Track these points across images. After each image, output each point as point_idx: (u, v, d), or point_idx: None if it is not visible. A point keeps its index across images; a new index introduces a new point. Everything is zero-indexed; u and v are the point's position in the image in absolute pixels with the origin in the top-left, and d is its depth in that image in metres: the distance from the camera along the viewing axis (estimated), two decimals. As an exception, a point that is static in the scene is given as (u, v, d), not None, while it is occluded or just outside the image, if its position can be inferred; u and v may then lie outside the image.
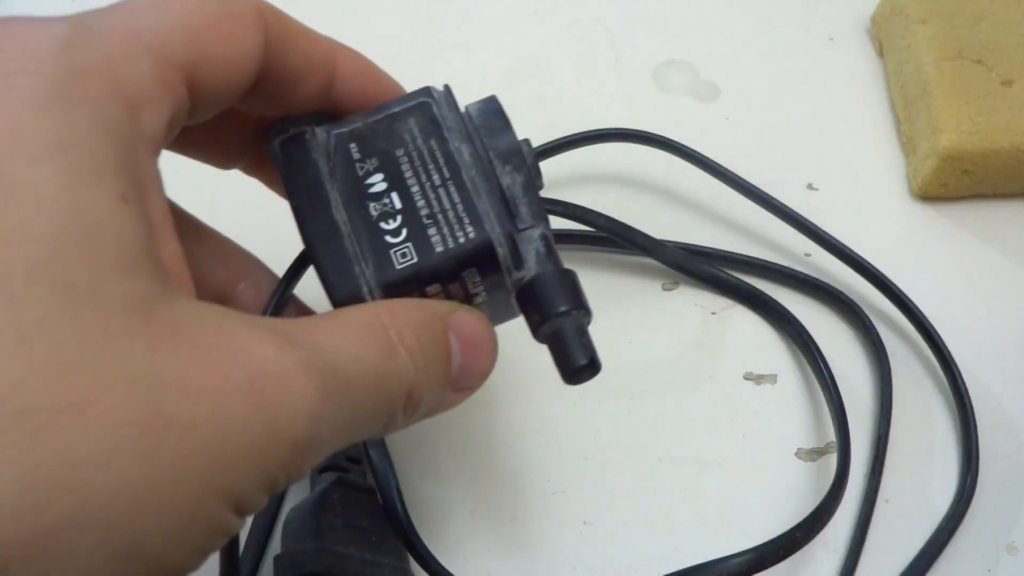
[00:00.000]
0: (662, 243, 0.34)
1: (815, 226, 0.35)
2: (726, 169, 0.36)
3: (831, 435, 0.32)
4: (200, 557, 0.16)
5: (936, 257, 0.37)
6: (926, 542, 0.30)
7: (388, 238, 0.21)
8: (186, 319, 0.16)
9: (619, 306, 0.35)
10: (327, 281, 0.21)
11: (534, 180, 0.22)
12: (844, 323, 0.35)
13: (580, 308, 0.22)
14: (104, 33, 0.17)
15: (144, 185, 0.17)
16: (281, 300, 0.23)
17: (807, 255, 0.37)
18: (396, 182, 0.22)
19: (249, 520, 0.29)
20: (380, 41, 0.24)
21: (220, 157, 0.25)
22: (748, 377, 0.34)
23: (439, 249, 0.21)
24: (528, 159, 0.22)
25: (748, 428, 0.33)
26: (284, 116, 0.23)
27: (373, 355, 0.19)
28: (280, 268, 0.24)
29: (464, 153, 0.22)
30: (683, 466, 0.32)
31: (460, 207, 0.21)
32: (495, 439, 0.32)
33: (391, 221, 0.21)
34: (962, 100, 0.37)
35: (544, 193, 0.35)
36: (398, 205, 0.21)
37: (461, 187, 0.22)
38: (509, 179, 0.22)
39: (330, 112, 0.23)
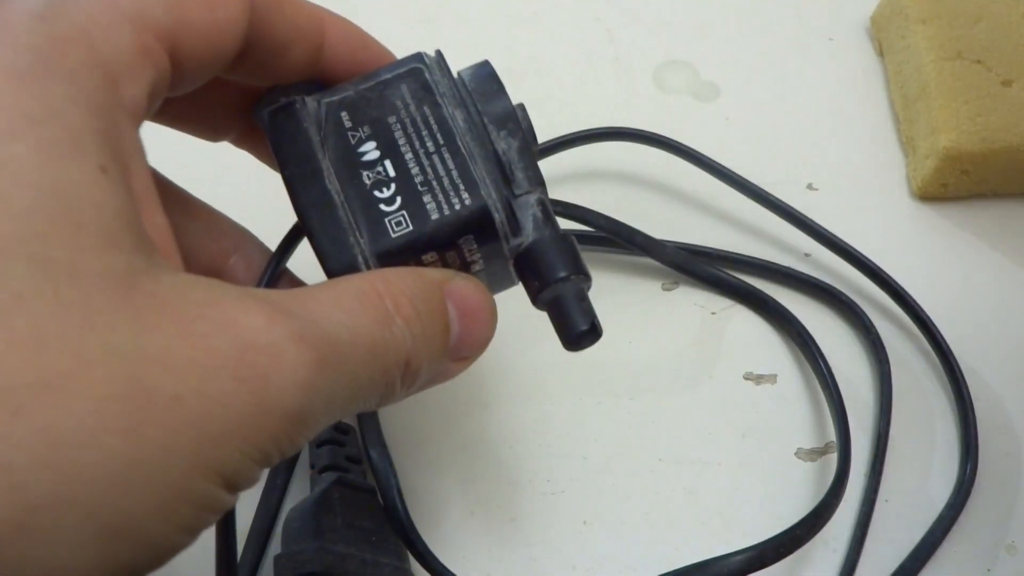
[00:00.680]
0: (662, 243, 0.34)
1: (815, 223, 0.35)
2: (725, 168, 0.37)
3: (831, 435, 0.32)
4: (190, 535, 0.16)
5: (936, 257, 0.37)
6: (924, 534, 0.30)
7: (382, 207, 0.21)
8: (171, 292, 0.16)
9: (619, 306, 0.35)
10: (321, 251, 0.21)
11: (530, 145, 0.22)
12: (844, 323, 0.35)
13: (579, 273, 0.21)
14: (81, 2, 0.17)
15: (125, 157, 0.17)
16: (274, 274, 0.23)
17: (807, 255, 0.37)
18: (389, 150, 0.21)
19: (249, 519, 0.29)
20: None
21: (209, 129, 0.24)
22: (748, 377, 0.34)
23: (434, 216, 0.21)
24: (523, 123, 0.22)
25: (748, 428, 0.33)
26: (273, 86, 0.22)
27: (368, 324, 0.18)
28: (273, 241, 0.24)
29: (458, 119, 0.22)
30: (683, 466, 0.32)
31: (455, 173, 0.21)
32: (495, 439, 0.32)
33: (385, 189, 0.21)
34: (962, 100, 0.37)
35: (544, 193, 0.35)
36: (392, 173, 0.21)
37: (456, 153, 0.21)
38: (504, 144, 0.22)
39: (320, 81, 0.23)
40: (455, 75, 0.23)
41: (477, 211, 0.21)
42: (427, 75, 0.22)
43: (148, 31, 0.18)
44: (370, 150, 0.21)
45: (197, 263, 0.24)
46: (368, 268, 0.20)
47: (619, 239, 0.34)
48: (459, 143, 0.21)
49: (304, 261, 0.22)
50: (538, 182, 0.22)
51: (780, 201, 0.36)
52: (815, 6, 0.45)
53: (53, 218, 0.15)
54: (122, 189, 0.16)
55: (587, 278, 0.22)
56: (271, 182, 0.22)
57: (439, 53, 0.23)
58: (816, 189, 0.39)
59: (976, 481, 0.31)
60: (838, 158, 0.40)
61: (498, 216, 0.21)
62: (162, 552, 0.16)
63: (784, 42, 0.43)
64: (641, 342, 0.34)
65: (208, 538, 0.21)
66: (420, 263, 0.21)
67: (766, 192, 0.36)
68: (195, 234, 0.24)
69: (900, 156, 0.40)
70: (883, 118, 0.41)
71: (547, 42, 0.43)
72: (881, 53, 0.43)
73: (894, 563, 0.30)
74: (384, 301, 0.19)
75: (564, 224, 0.34)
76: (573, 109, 0.40)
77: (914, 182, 0.38)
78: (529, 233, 0.21)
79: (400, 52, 0.23)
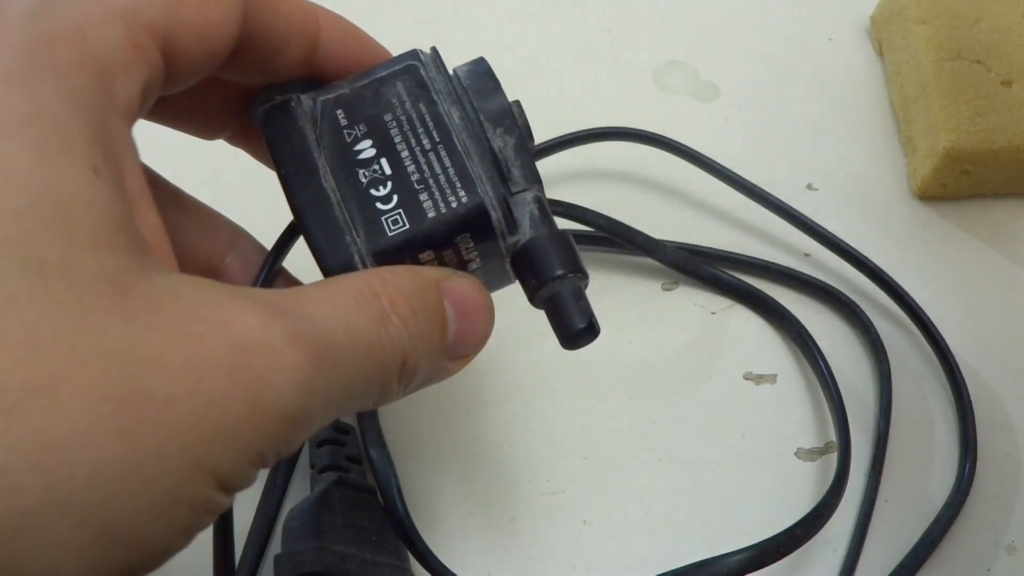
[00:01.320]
0: (662, 243, 0.35)
1: (814, 223, 0.36)
2: (725, 168, 0.37)
3: (831, 435, 0.32)
4: (185, 537, 0.16)
5: (935, 257, 0.37)
6: (922, 533, 0.30)
7: (379, 205, 0.21)
8: (165, 292, 0.16)
9: (619, 306, 0.35)
10: (317, 250, 0.21)
11: (526, 142, 0.22)
12: (844, 323, 0.35)
13: (577, 271, 0.21)
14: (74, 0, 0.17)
15: (118, 156, 0.17)
16: (270, 273, 0.23)
17: (807, 255, 0.37)
18: (385, 148, 0.21)
19: (249, 519, 0.29)
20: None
21: (203, 127, 0.24)
22: (748, 377, 0.34)
23: (431, 215, 0.21)
24: (519, 120, 0.22)
25: (748, 428, 0.33)
26: (268, 84, 0.22)
27: (364, 323, 0.18)
28: (269, 240, 0.24)
29: (454, 116, 0.22)
30: (683, 466, 0.32)
31: (451, 171, 0.21)
32: (495, 439, 0.32)
33: (381, 188, 0.21)
34: (961, 100, 0.37)
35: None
36: (388, 171, 0.21)
37: (452, 151, 0.21)
38: (501, 142, 0.22)
39: (315, 78, 0.22)
40: (451, 72, 0.23)
41: (474, 209, 0.21)
42: (423, 72, 0.22)
43: (141, 28, 0.18)
44: (366, 148, 0.21)
45: (193, 262, 0.24)
46: (365, 267, 0.20)
47: (619, 239, 0.34)
48: (455, 141, 0.21)
49: (301, 259, 0.22)
50: (535, 179, 0.22)
51: (780, 201, 0.36)
52: (815, 6, 0.45)
53: (45, 219, 0.15)
54: (114, 189, 0.16)
55: (584, 276, 0.21)
56: (267, 180, 0.22)
57: (435, 50, 0.23)
58: (816, 189, 0.39)
59: (976, 481, 0.31)
60: (838, 158, 0.40)
61: (495, 214, 0.21)
62: (157, 554, 0.15)
63: (784, 42, 0.43)
64: (641, 342, 0.34)
65: (206, 538, 0.21)
66: (417, 262, 0.21)
67: (766, 192, 0.36)
68: (191, 233, 0.24)
69: (900, 156, 0.40)
70: (883, 118, 0.41)
71: (547, 42, 0.43)
72: (881, 53, 0.43)
73: (894, 563, 0.30)
74: (380, 300, 0.19)
75: (564, 224, 0.34)
76: (573, 109, 0.40)
77: (914, 182, 0.38)
78: (526, 231, 0.21)
79: (400, 51, 0.23)
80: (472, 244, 0.21)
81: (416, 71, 0.22)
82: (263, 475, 0.30)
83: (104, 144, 0.16)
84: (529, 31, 0.43)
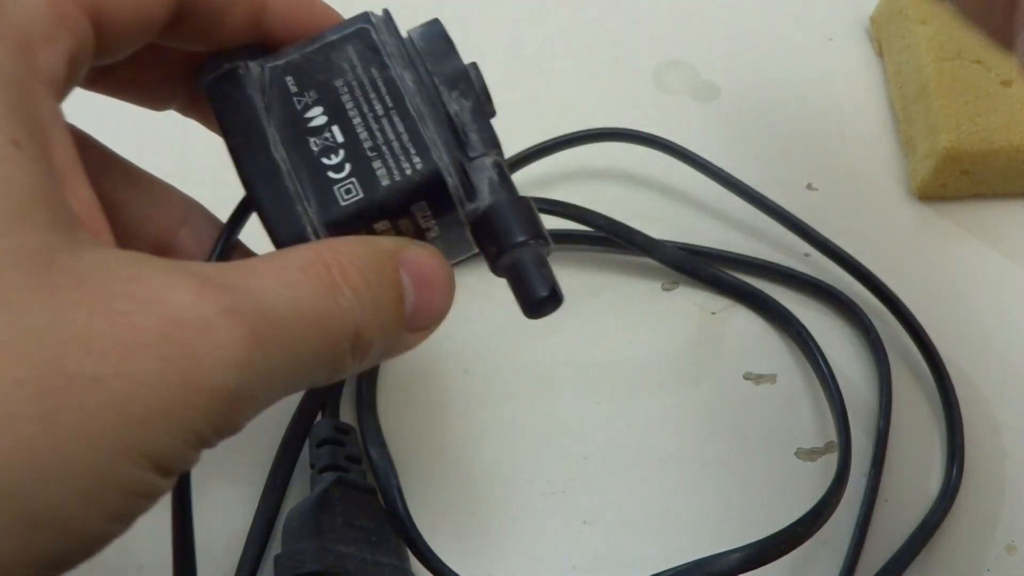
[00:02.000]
0: (662, 243, 0.35)
1: (811, 228, 0.36)
2: (723, 170, 0.37)
3: (831, 435, 0.32)
4: (120, 522, 0.15)
5: (935, 257, 0.37)
6: (914, 529, 0.30)
7: (331, 174, 0.20)
8: (93, 269, 0.15)
9: (619, 306, 0.35)
10: (268, 222, 0.20)
11: (484, 106, 0.21)
12: (844, 323, 0.35)
13: (538, 238, 0.21)
14: None
15: (43, 129, 0.16)
16: (225, 247, 0.22)
17: (806, 255, 0.37)
18: (337, 115, 0.21)
19: (249, 519, 0.29)
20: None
21: (150, 98, 0.23)
22: (748, 377, 0.34)
23: (385, 183, 0.20)
24: (476, 83, 0.21)
25: (748, 428, 0.33)
26: (215, 52, 0.21)
27: (311, 296, 0.18)
28: (225, 214, 0.23)
29: (407, 80, 0.21)
30: (683, 466, 0.32)
31: (405, 137, 0.20)
32: (495, 439, 0.32)
33: (333, 156, 0.20)
34: (961, 100, 0.37)
35: (543, 193, 0.35)
36: (340, 139, 0.20)
37: (405, 116, 0.21)
38: (456, 106, 0.21)
39: (264, 45, 0.22)
40: (404, 35, 0.22)
41: (429, 175, 0.20)
42: (374, 36, 0.21)
43: None
44: (317, 115, 0.21)
45: (144, 237, 0.23)
46: (317, 238, 0.20)
47: (619, 239, 0.34)
48: (408, 105, 0.21)
49: (258, 233, 0.22)
50: (493, 144, 0.21)
51: (777, 205, 0.36)
52: (815, 6, 0.45)
53: None
54: (37, 163, 0.16)
55: (547, 242, 0.21)
56: (221, 151, 0.21)
57: (386, 12, 0.22)
58: (816, 189, 0.39)
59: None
60: (838, 158, 0.40)
61: (451, 180, 0.20)
62: (90, 541, 0.15)
63: (784, 42, 0.43)
64: (641, 342, 0.34)
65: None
66: (373, 232, 0.20)
67: (763, 196, 0.36)
68: (141, 207, 0.23)
69: (899, 156, 0.40)
70: (883, 118, 0.41)
71: (547, 42, 0.43)
72: (880, 53, 0.43)
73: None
74: (331, 271, 0.18)
75: (564, 224, 0.34)
76: (572, 109, 0.40)
77: (913, 182, 0.38)
78: (485, 197, 0.21)
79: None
80: (429, 212, 0.21)
81: (367, 34, 0.21)
82: (263, 475, 0.30)
83: (26, 117, 0.16)
84: (529, 31, 0.43)
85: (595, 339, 0.34)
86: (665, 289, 0.36)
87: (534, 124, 0.23)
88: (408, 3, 0.43)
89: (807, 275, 0.35)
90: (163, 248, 0.23)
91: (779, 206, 0.36)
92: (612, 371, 0.34)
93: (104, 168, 0.18)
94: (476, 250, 0.22)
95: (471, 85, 0.21)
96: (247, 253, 0.24)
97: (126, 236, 0.18)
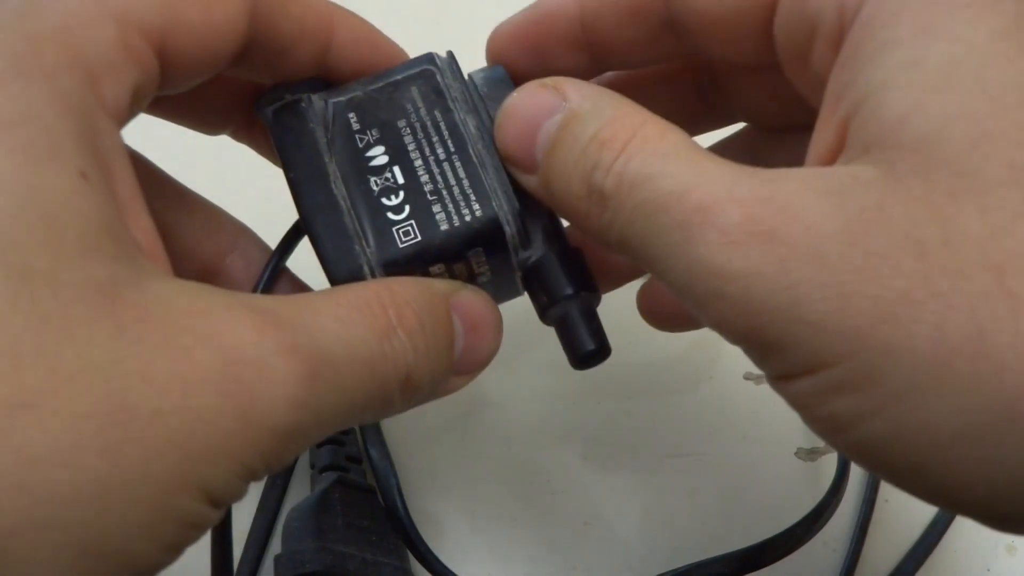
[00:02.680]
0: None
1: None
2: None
3: (831, 435, 0.32)
4: (174, 552, 0.16)
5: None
6: (921, 534, 0.30)
7: (390, 215, 0.20)
8: (156, 302, 0.15)
9: (619, 306, 0.35)
10: (325, 258, 0.20)
11: None
12: (844, 323, 0.35)
13: (589, 290, 0.21)
14: None
15: (107, 160, 0.16)
16: (273, 274, 0.22)
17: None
18: (398, 155, 0.21)
19: (249, 519, 0.29)
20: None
21: (207, 123, 0.23)
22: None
23: (444, 227, 0.20)
24: None
25: (748, 428, 0.33)
26: (278, 82, 0.22)
27: (366, 336, 0.18)
28: (271, 237, 0.23)
29: (470, 125, 0.21)
30: (683, 466, 0.32)
31: (466, 183, 0.20)
32: (495, 439, 0.32)
33: (393, 197, 0.20)
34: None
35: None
36: (401, 180, 0.21)
37: (467, 161, 0.21)
38: None
39: (326, 78, 0.22)
40: (467, 77, 0.22)
41: (488, 223, 0.20)
42: (438, 78, 0.22)
43: (134, 29, 0.17)
44: (379, 155, 0.21)
45: (194, 261, 0.23)
46: (373, 276, 0.20)
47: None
48: (471, 151, 0.21)
49: (305, 260, 0.22)
50: None
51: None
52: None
53: (31, 226, 0.15)
54: (104, 194, 0.16)
55: (597, 295, 0.21)
56: (270, 176, 0.22)
57: (451, 55, 0.22)
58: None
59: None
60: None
61: (509, 229, 0.21)
62: (145, 571, 0.15)
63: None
64: (641, 342, 0.34)
65: (204, 542, 0.20)
66: (427, 273, 0.21)
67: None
68: (192, 231, 0.23)
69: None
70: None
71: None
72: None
73: (894, 563, 0.30)
74: (387, 312, 0.18)
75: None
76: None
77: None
78: (539, 246, 0.21)
79: (405, 49, 0.23)
80: (484, 258, 0.21)
81: (432, 76, 0.22)
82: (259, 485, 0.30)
83: (92, 147, 0.16)
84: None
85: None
86: (665, 289, 0.36)
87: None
88: (411, 2, 0.43)
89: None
90: (212, 272, 0.23)
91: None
92: (612, 371, 0.34)
93: (157, 191, 0.18)
94: (523, 293, 0.22)
95: None
96: (294, 279, 0.24)
97: (177, 259, 0.18)
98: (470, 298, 0.20)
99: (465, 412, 0.32)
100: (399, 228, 0.20)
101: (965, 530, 0.31)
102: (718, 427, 0.33)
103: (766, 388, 0.34)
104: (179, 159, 0.24)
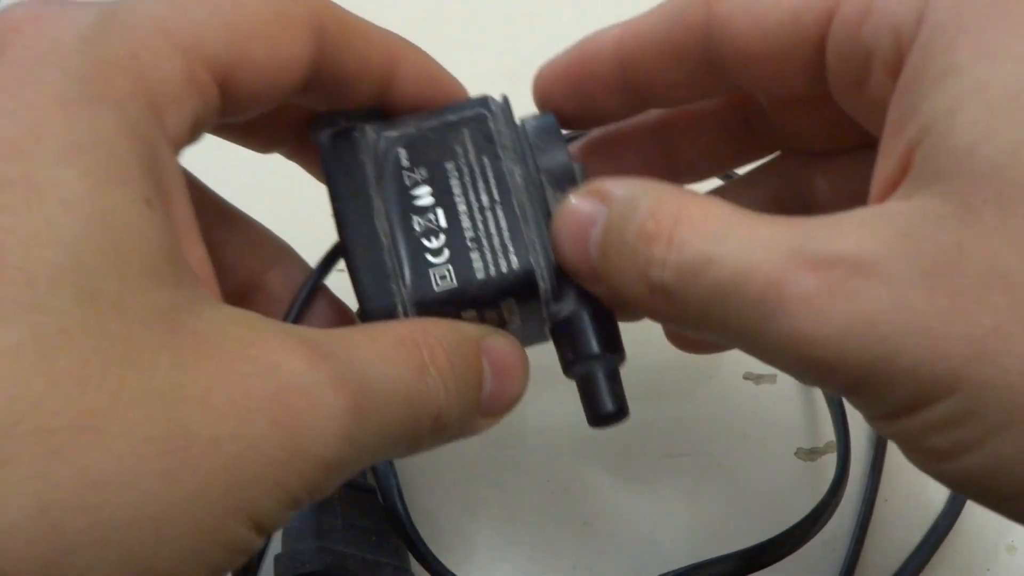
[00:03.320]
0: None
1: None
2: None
3: (830, 435, 0.32)
4: (217, 575, 0.16)
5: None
6: (922, 538, 0.30)
7: (429, 257, 0.21)
8: (213, 329, 0.16)
9: (619, 306, 0.35)
10: (361, 293, 0.20)
11: None
12: (844, 323, 0.35)
13: (614, 352, 0.21)
14: (134, 24, 0.17)
15: (167, 187, 0.17)
16: (311, 293, 0.23)
17: (807, 255, 0.37)
18: (443, 198, 0.21)
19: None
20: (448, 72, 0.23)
21: (260, 142, 0.24)
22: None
23: (480, 276, 0.20)
24: (580, 185, 0.22)
25: (748, 428, 0.33)
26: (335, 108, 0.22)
27: (404, 374, 0.18)
28: (305, 250, 0.23)
29: (516, 175, 0.21)
30: (683, 466, 0.32)
31: (506, 234, 0.21)
32: (495, 439, 0.32)
33: (434, 239, 0.21)
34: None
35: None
36: (443, 223, 0.21)
37: (510, 212, 0.21)
38: (559, 206, 0.21)
39: (382, 109, 0.22)
40: (518, 121, 0.22)
41: (524, 276, 0.21)
42: (491, 123, 0.22)
43: (201, 62, 0.17)
44: (424, 195, 0.21)
45: (235, 276, 0.23)
46: (405, 316, 0.20)
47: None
48: (514, 202, 0.21)
49: (339, 278, 0.22)
50: None
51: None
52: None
53: (100, 249, 0.15)
54: (165, 221, 0.16)
55: (622, 356, 0.21)
56: (311, 192, 0.22)
57: (506, 100, 0.23)
58: (816, 189, 0.39)
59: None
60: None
61: (543, 284, 0.21)
62: None
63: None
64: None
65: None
66: (459, 317, 0.21)
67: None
68: (235, 247, 0.23)
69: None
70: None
71: (547, 42, 0.43)
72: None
73: (894, 563, 0.30)
74: (421, 351, 0.19)
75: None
76: (573, 109, 0.40)
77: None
78: (571, 302, 0.21)
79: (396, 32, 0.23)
80: (516, 307, 0.21)
81: (485, 121, 0.22)
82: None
83: (155, 175, 0.16)
84: (529, 31, 0.43)
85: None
86: (665, 289, 0.36)
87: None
88: (410, 2, 0.43)
89: (807, 275, 0.35)
90: (251, 287, 0.23)
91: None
92: (612, 371, 0.34)
93: (202, 206, 0.18)
94: (549, 341, 0.22)
95: (576, 188, 0.21)
96: (331, 297, 0.24)
97: (218, 274, 0.18)
98: (500, 343, 0.21)
99: (465, 412, 0.32)
100: (436, 271, 0.20)
101: (965, 530, 0.31)
102: (718, 427, 0.33)
103: (766, 388, 0.34)
104: (222, 173, 0.24)
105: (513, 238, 0.21)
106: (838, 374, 0.16)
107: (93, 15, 0.17)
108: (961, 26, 0.16)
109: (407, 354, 0.18)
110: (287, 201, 0.29)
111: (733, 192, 0.26)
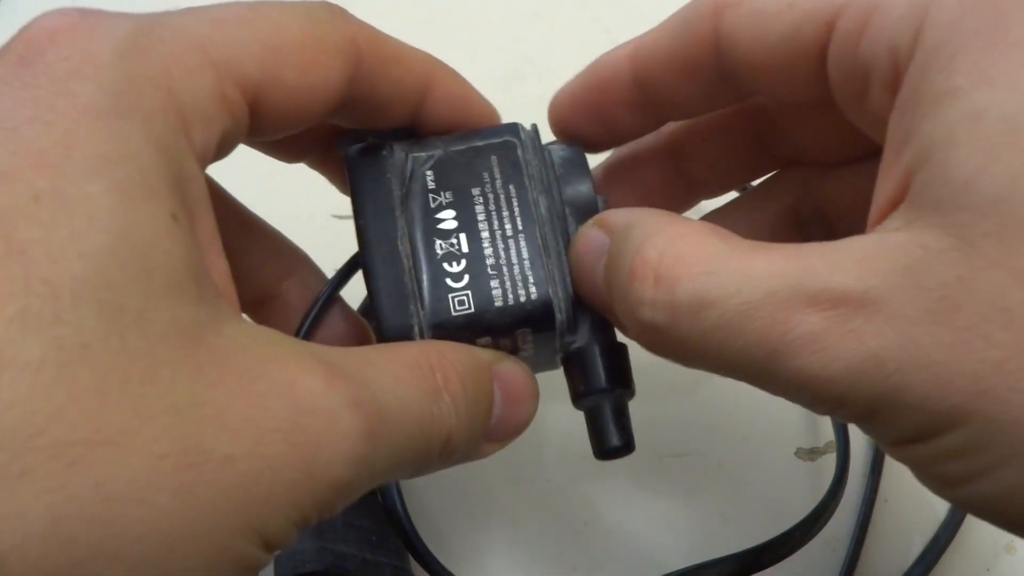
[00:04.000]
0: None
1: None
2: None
3: (830, 435, 0.32)
4: None
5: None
6: (925, 546, 0.30)
7: (449, 281, 0.21)
8: (233, 346, 0.16)
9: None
10: (379, 312, 0.21)
11: None
12: (844, 323, 0.35)
13: (623, 387, 0.21)
14: (168, 40, 0.17)
15: (193, 203, 0.17)
16: (326, 304, 0.23)
17: (807, 255, 0.37)
18: (467, 223, 0.21)
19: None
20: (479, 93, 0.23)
21: (287, 152, 0.24)
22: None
23: (498, 304, 0.21)
24: None
25: (748, 428, 0.33)
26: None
27: (417, 397, 0.18)
28: (321, 258, 0.23)
29: (541, 206, 0.21)
30: (683, 466, 0.32)
31: (527, 264, 0.21)
32: (495, 439, 0.32)
33: (455, 264, 0.21)
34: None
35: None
36: (465, 249, 0.21)
37: (532, 242, 0.21)
38: None
39: (410, 128, 0.22)
40: (546, 149, 0.22)
41: (541, 307, 0.21)
42: (519, 152, 0.22)
43: (231, 80, 0.17)
44: (448, 219, 0.21)
45: (252, 284, 0.23)
46: (421, 337, 0.20)
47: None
48: (537, 232, 0.21)
49: (356, 288, 0.22)
50: None
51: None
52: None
53: (125, 264, 0.15)
54: (189, 237, 0.16)
55: (631, 392, 0.22)
56: (329, 201, 0.21)
57: (535, 128, 0.23)
58: (816, 189, 0.38)
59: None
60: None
61: (560, 316, 0.21)
62: None
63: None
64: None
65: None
66: (473, 343, 0.21)
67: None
68: (253, 255, 0.23)
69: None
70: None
71: (547, 42, 0.43)
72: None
73: (894, 563, 0.30)
74: (435, 375, 0.19)
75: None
76: (573, 109, 0.40)
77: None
78: (584, 334, 0.21)
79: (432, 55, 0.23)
80: (530, 337, 0.21)
81: (513, 149, 0.22)
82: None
83: (181, 191, 0.16)
84: (529, 31, 0.43)
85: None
86: (665, 289, 0.36)
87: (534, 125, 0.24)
88: (410, 2, 0.43)
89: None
90: (269, 296, 0.24)
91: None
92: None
93: (223, 214, 0.18)
94: (559, 368, 0.22)
95: None
96: (346, 308, 0.24)
97: (236, 282, 0.19)
98: (511, 369, 0.21)
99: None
100: (455, 296, 0.21)
101: (965, 530, 0.31)
102: (718, 427, 0.33)
103: (766, 388, 0.34)
104: (242, 179, 0.24)
105: (533, 268, 0.21)
106: (847, 408, 0.16)
107: (129, 27, 0.17)
108: (959, 47, 0.16)
109: (421, 377, 0.19)
110: (304, 209, 0.29)
111: (747, 205, 0.26)
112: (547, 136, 0.23)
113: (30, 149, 0.15)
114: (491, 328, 0.21)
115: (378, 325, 0.21)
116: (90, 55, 0.16)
